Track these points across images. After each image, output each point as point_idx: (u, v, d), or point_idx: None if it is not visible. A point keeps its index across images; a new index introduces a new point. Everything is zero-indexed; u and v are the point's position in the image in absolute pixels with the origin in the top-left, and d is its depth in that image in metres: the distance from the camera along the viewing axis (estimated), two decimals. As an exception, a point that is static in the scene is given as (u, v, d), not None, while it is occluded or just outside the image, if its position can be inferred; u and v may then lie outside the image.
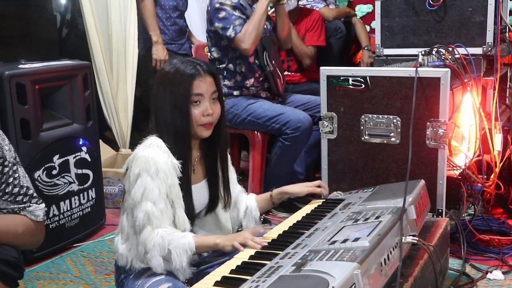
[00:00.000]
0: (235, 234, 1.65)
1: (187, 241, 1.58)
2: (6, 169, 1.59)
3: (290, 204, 2.74)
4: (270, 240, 1.65)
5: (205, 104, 1.70)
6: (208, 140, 1.79)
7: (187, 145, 1.72)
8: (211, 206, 1.87)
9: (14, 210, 1.60)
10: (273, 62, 3.16)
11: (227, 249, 1.60)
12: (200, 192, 1.80)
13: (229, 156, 1.91)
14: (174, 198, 1.67)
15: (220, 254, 1.74)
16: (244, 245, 1.60)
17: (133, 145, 3.27)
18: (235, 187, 1.95)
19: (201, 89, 1.69)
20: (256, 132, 3.11)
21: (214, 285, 1.41)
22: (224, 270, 1.49)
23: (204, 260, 1.75)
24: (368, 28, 4.24)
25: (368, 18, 4.47)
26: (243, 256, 1.57)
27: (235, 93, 3.14)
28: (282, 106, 3.11)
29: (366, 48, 3.92)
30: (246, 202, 1.99)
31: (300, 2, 3.75)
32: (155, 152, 1.64)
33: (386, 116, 2.29)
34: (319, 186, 2.05)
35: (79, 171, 2.73)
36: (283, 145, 3.01)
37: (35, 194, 1.65)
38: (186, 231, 1.68)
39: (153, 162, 1.62)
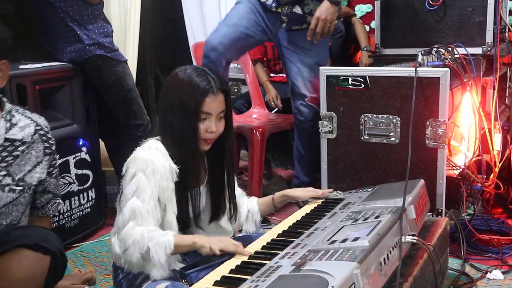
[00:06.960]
0: (216, 238, 1.62)
1: (166, 238, 1.56)
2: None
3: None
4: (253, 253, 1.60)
5: (211, 121, 1.70)
6: (213, 151, 1.80)
7: (190, 153, 1.72)
8: (214, 216, 1.86)
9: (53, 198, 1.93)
10: None
11: (204, 251, 1.56)
12: (197, 196, 1.80)
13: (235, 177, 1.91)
14: (166, 202, 1.67)
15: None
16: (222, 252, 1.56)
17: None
18: (235, 191, 1.95)
19: (211, 108, 1.69)
20: (255, 131, 3.11)
21: (214, 284, 1.41)
22: (223, 269, 1.49)
23: (204, 260, 1.75)
24: (367, 28, 4.24)
25: (367, 18, 4.45)
26: (243, 256, 1.57)
27: None
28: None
29: (365, 49, 3.91)
30: (248, 205, 1.99)
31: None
32: (153, 154, 1.65)
33: (385, 116, 2.29)
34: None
35: (79, 172, 2.74)
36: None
37: None
38: None
39: (151, 163, 1.63)
